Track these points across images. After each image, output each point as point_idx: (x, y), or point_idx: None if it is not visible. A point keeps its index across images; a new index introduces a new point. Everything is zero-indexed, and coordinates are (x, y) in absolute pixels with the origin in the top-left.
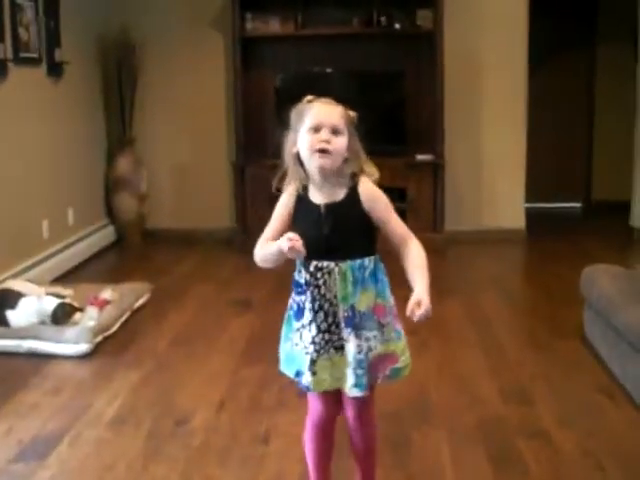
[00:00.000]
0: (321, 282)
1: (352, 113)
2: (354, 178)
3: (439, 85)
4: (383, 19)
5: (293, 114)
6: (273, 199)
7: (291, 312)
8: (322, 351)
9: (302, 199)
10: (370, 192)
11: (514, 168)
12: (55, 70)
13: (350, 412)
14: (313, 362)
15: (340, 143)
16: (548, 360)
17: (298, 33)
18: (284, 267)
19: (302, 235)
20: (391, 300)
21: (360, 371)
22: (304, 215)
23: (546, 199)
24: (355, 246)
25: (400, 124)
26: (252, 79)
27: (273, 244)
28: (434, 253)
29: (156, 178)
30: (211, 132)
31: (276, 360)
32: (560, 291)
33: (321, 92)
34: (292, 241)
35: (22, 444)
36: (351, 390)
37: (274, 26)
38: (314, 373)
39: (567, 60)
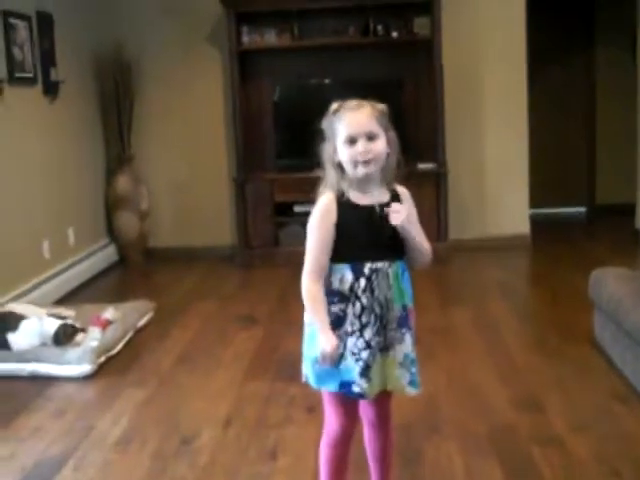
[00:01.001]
0: (375, 284)
1: (380, 106)
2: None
3: (439, 93)
4: (380, 28)
5: (324, 125)
6: (275, 212)
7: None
8: (377, 355)
9: (344, 205)
10: (408, 196)
11: (517, 174)
12: (51, 89)
13: (374, 418)
14: (368, 368)
15: (379, 147)
16: (559, 366)
17: (295, 45)
18: (286, 281)
19: (352, 239)
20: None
21: (414, 369)
22: (353, 218)
23: (550, 204)
24: (401, 246)
25: (401, 133)
26: (250, 92)
27: (322, 315)
28: (439, 262)
29: (156, 196)
30: (210, 147)
31: (282, 374)
32: (568, 296)
33: (320, 104)
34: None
35: (25, 470)
36: (407, 389)
37: (270, 38)
38: (369, 379)
39: (566, 63)
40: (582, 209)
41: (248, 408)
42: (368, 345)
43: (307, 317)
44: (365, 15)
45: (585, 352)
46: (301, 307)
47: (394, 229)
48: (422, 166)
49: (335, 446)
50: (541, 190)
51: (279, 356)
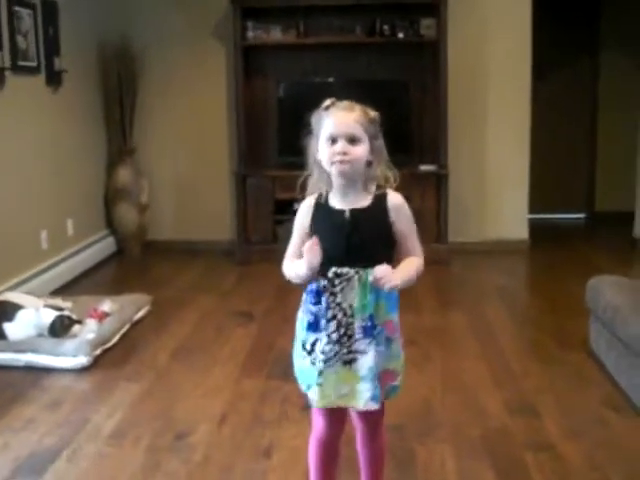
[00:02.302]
0: (338, 289)
1: (372, 113)
2: (380, 187)
3: (443, 95)
4: (386, 28)
5: (313, 120)
6: (275, 209)
7: (304, 324)
8: (330, 362)
9: (321, 206)
10: (399, 204)
11: (518, 179)
12: (54, 79)
13: (364, 427)
14: (320, 373)
15: (358, 152)
16: (553, 372)
17: (300, 42)
18: (284, 279)
19: (322, 241)
20: (397, 317)
21: (376, 383)
22: (325, 221)
23: (549, 210)
24: (376, 255)
25: (403, 134)
26: (254, 88)
27: (300, 263)
28: (438, 264)
29: (157, 189)
30: (212, 142)
31: (278, 372)
32: (565, 302)
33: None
34: (312, 246)
35: (18, 460)
36: (368, 403)
37: (276, 35)
38: (320, 385)
39: (570, 69)
40: (581, 215)
41: (243, 405)
42: (322, 350)
43: (300, 313)
44: (372, 15)
45: (580, 359)
46: (298, 305)
47: (371, 235)
48: (424, 167)
49: (321, 445)
50: (541, 195)
51: (275, 353)
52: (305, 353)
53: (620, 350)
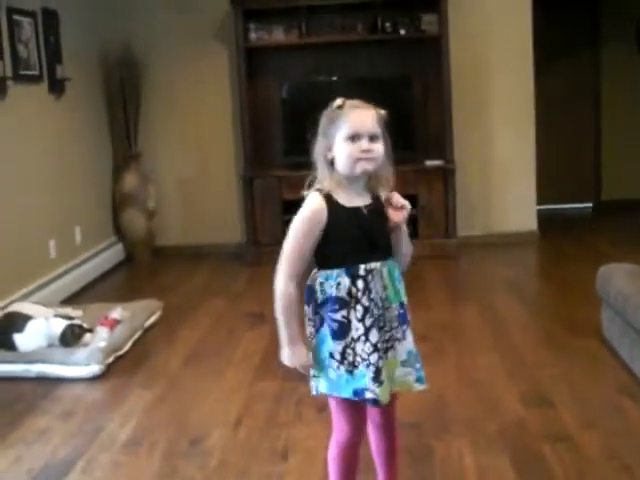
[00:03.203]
0: (372, 285)
1: (382, 112)
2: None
3: (446, 90)
4: (388, 25)
5: (324, 120)
6: (283, 210)
7: (328, 334)
8: (384, 357)
9: (334, 206)
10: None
11: (525, 170)
12: (57, 87)
13: (381, 414)
14: (379, 371)
15: (380, 149)
16: (567, 361)
17: (302, 41)
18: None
19: (344, 242)
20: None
21: (418, 364)
22: (342, 220)
23: (557, 200)
24: (389, 245)
25: (408, 130)
26: (257, 89)
27: (294, 324)
28: (447, 259)
29: (163, 193)
30: (217, 145)
31: (292, 373)
32: (576, 291)
33: (327, 101)
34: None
35: (32, 473)
36: (414, 386)
37: (278, 35)
38: (381, 383)
39: (573, 61)
40: (589, 205)
41: (258, 407)
42: (375, 348)
43: (308, 329)
44: (373, 12)
45: (593, 347)
46: None
47: (382, 229)
48: (430, 163)
49: (345, 453)
50: (548, 186)
51: None
52: (337, 363)
53: (633, 337)
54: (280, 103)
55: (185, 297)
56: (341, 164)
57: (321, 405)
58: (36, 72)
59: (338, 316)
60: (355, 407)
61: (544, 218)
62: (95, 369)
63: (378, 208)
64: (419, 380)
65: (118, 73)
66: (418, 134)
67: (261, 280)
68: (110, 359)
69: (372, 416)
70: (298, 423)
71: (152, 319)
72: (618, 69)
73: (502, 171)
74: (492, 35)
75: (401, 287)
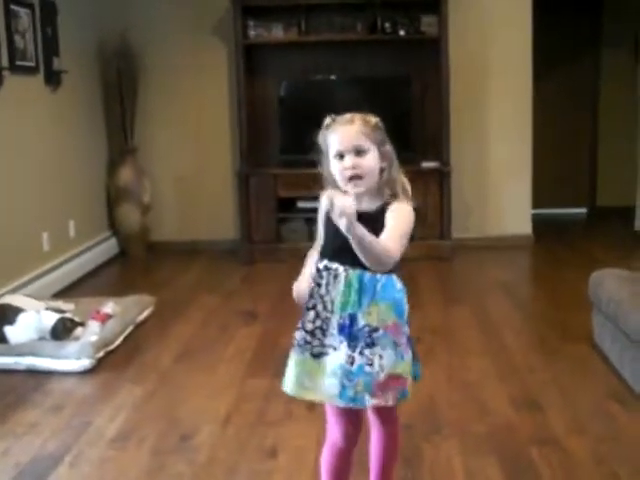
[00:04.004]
0: (323, 282)
1: (373, 120)
2: (393, 196)
3: (444, 91)
4: (387, 25)
5: (319, 140)
6: (278, 208)
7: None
8: (300, 350)
9: None
10: (399, 205)
11: (520, 174)
12: (53, 79)
13: (377, 414)
14: (290, 359)
15: (368, 162)
16: (558, 366)
17: (301, 40)
18: (288, 277)
19: (325, 234)
20: (403, 321)
21: (348, 383)
22: (330, 218)
23: (551, 205)
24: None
25: (405, 131)
26: (255, 87)
27: (305, 274)
28: (441, 260)
29: (159, 188)
30: (214, 141)
31: (283, 371)
32: (568, 296)
33: (325, 100)
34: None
35: (20, 466)
36: (333, 399)
37: (277, 33)
38: (295, 377)
39: (571, 65)
40: (583, 210)
41: (248, 405)
42: (296, 339)
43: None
44: (373, 12)
45: (584, 352)
46: None
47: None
48: (426, 164)
49: (335, 458)
50: (543, 190)
51: (280, 352)
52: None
53: (624, 342)
54: (278, 101)
55: (178, 293)
56: (338, 181)
57: (311, 404)
58: (32, 63)
59: (310, 303)
60: (346, 413)
61: (539, 222)
62: (86, 363)
63: (376, 216)
64: (341, 396)
65: (115, 66)
66: (415, 135)
67: (254, 278)
68: (101, 353)
69: (371, 416)
70: (288, 421)
71: (144, 314)
72: (616, 75)
73: (498, 174)
74: (491, 37)
75: (365, 302)
